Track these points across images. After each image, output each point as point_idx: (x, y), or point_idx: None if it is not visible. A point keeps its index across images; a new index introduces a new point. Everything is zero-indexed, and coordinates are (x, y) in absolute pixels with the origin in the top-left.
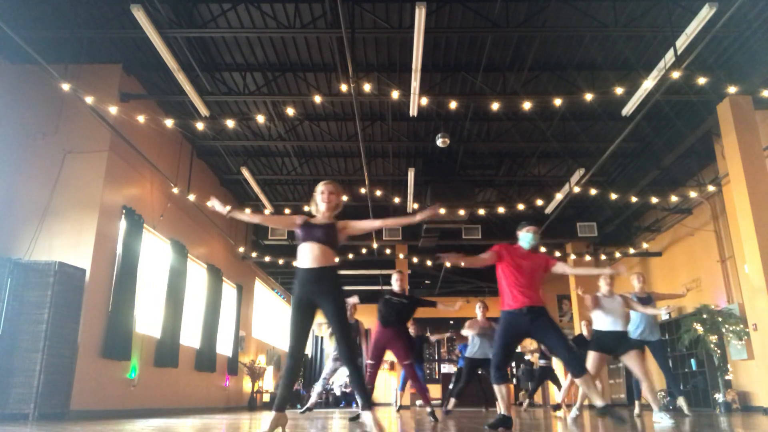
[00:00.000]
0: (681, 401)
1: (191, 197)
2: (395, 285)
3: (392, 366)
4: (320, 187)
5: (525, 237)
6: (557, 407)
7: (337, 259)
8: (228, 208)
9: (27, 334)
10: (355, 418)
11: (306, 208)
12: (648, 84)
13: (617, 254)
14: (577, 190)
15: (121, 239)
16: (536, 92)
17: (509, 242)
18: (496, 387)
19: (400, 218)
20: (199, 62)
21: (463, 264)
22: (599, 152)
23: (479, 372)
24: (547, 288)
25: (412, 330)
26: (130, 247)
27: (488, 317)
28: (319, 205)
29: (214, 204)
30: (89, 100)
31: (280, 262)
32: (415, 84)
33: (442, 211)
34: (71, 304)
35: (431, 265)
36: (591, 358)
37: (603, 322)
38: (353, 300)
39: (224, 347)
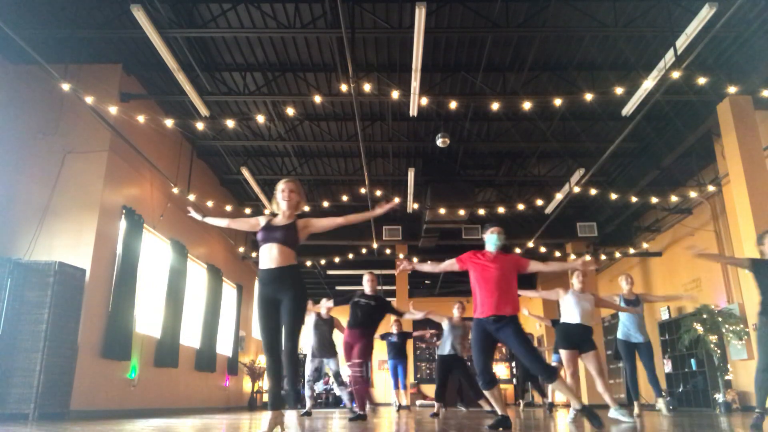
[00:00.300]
0: (660, 402)
1: (191, 197)
2: (366, 287)
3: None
4: (280, 186)
5: (490, 239)
6: (552, 408)
7: (297, 261)
8: (200, 216)
9: (27, 334)
10: (355, 419)
11: (306, 208)
12: (648, 84)
13: (617, 254)
14: (577, 190)
15: (121, 239)
16: (536, 92)
17: (509, 243)
18: (487, 393)
19: (362, 214)
20: (199, 62)
21: (424, 269)
22: (599, 152)
23: (455, 371)
24: (546, 288)
25: (395, 328)
26: (130, 247)
27: (464, 317)
28: (280, 203)
29: (192, 214)
30: (89, 100)
31: None
32: (415, 84)
33: (397, 200)
34: (71, 304)
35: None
36: (564, 357)
37: (571, 315)
38: (328, 304)
39: (224, 347)
